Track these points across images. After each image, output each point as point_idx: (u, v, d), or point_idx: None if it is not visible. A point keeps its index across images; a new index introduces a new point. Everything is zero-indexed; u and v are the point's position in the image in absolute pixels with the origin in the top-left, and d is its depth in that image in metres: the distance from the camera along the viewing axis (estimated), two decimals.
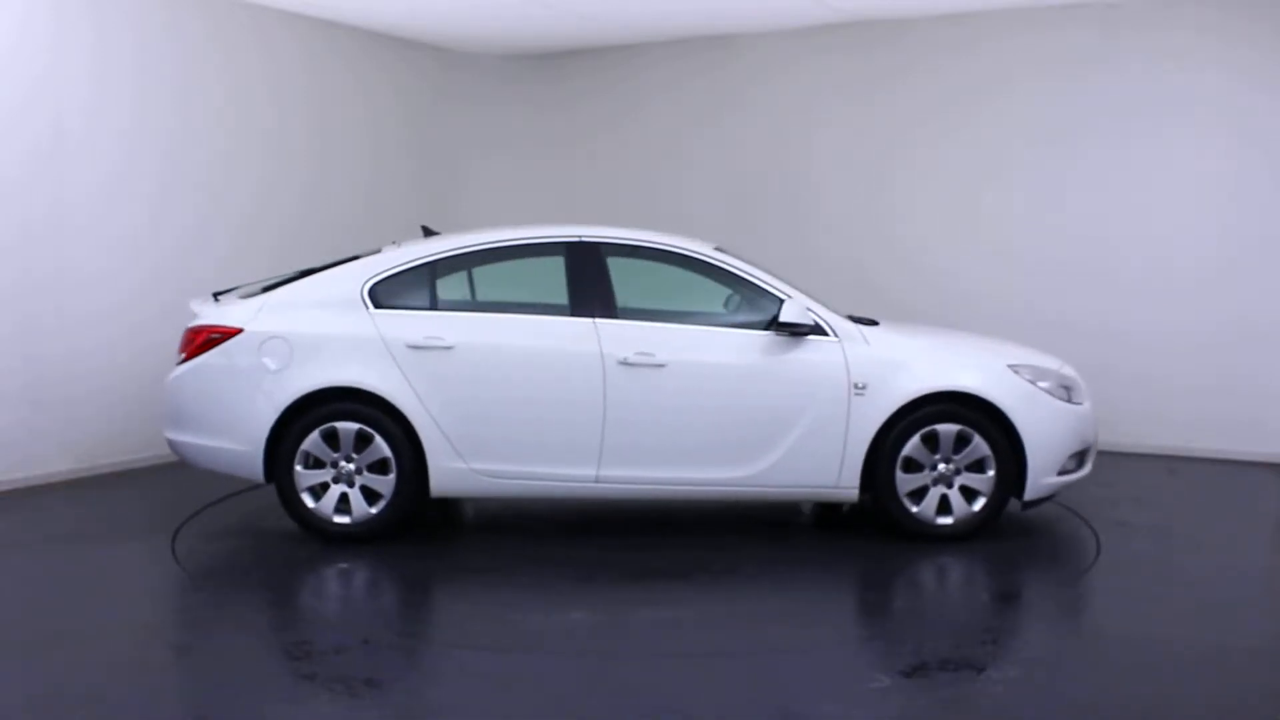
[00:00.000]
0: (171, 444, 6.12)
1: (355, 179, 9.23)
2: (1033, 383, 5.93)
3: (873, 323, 6.13)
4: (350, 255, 6.40)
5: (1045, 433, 5.85)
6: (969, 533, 5.84)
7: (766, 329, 5.86)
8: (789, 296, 5.91)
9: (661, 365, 5.78)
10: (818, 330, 5.86)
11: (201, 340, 5.91)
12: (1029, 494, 5.86)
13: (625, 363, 5.76)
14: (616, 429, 5.78)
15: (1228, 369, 7.89)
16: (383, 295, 5.94)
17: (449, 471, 5.81)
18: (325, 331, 5.84)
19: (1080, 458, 6.05)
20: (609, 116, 9.99)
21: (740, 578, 5.43)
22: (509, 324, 5.92)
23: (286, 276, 6.27)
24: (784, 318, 5.80)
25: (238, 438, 5.83)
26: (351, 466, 5.81)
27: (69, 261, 7.18)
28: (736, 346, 5.89)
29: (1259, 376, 7.80)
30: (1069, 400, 5.98)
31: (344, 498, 5.83)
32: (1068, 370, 6.16)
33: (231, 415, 5.84)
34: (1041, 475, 5.86)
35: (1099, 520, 6.26)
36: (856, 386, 5.79)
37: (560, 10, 8.43)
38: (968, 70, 8.60)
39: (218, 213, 8.11)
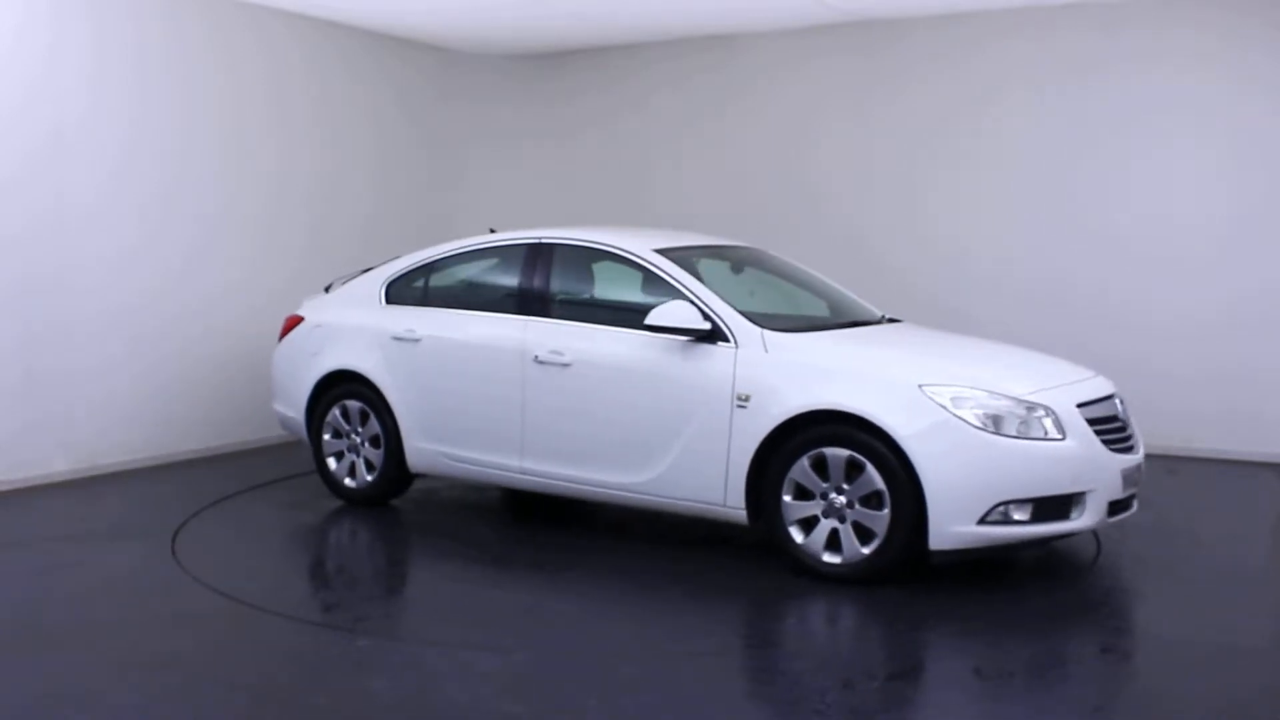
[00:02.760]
0: (275, 412, 7.12)
1: (360, 179, 9.22)
2: (948, 408, 4.97)
3: (894, 321, 6.17)
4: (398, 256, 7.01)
5: (954, 469, 4.91)
6: (861, 577, 5.08)
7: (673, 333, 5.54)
8: (692, 299, 5.55)
9: (567, 365, 5.84)
10: (717, 335, 5.46)
11: (288, 326, 7.00)
12: (934, 542, 4.94)
13: (538, 361, 5.92)
14: (532, 424, 5.97)
15: (1228, 367, 7.88)
16: (393, 292, 6.67)
17: (419, 451, 6.39)
18: (350, 323, 6.68)
19: (1041, 508, 4.98)
20: (611, 115, 9.99)
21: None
22: (466, 320, 6.30)
23: (356, 273, 7.10)
24: (648, 320, 5.51)
25: (295, 407, 6.86)
26: (358, 439, 6.61)
27: (69, 262, 7.17)
28: (635, 349, 5.65)
29: (1260, 377, 7.80)
30: (1026, 435, 4.97)
31: (353, 465, 6.64)
32: (1044, 398, 5.08)
33: (292, 388, 6.87)
34: (950, 522, 4.91)
35: None
36: (740, 398, 5.33)
37: (560, 10, 8.43)
38: (969, 70, 8.59)
39: (221, 213, 8.10)
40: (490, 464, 6.16)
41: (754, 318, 5.55)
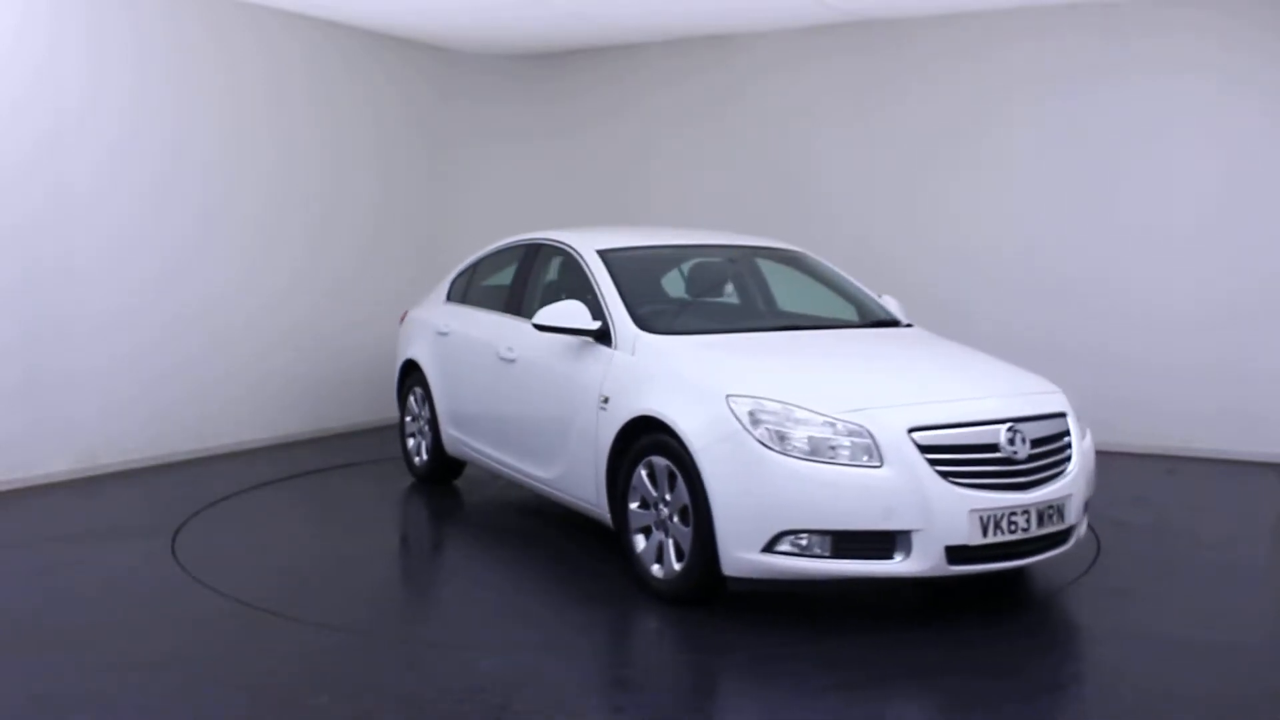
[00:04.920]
0: None
1: (360, 178, 9.21)
2: (743, 421, 4.52)
3: (905, 327, 5.99)
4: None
5: (739, 490, 4.48)
6: (675, 594, 4.81)
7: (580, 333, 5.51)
8: (600, 297, 5.53)
9: (514, 361, 6.02)
10: (608, 335, 5.38)
11: (401, 319, 7.63)
12: (725, 567, 4.56)
13: (500, 358, 6.15)
14: (501, 418, 6.25)
15: (1228, 367, 7.89)
16: (452, 290, 7.15)
17: (449, 436, 6.80)
18: (422, 317, 7.23)
19: (845, 543, 4.41)
20: (611, 115, 9.99)
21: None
22: (476, 317, 6.67)
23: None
24: (534, 320, 5.58)
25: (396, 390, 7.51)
26: (422, 422, 7.11)
27: (69, 261, 7.18)
28: (553, 347, 5.68)
29: (1260, 376, 7.81)
30: (831, 459, 4.40)
31: (420, 445, 7.19)
32: (863, 418, 4.47)
33: (394, 372, 7.53)
34: (737, 546, 4.49)
35: (1099, 520, 6.24)
36: (602, 400, 5.22)
37: (560, 10, 8.43)
38: (969, 71, 8.60)
39: (221, 213, 8.10)
40: (485, 453, 6.45)
41: (649, 319, 5.41)
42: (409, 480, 7.32)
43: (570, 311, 5.45)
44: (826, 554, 4.43)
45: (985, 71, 8.55)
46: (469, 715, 3.83)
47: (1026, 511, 4.57)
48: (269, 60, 8.42)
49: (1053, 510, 4.68)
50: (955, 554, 4.45)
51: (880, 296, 6.24)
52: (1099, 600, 5.14)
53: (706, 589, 4.74)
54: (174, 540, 5.89)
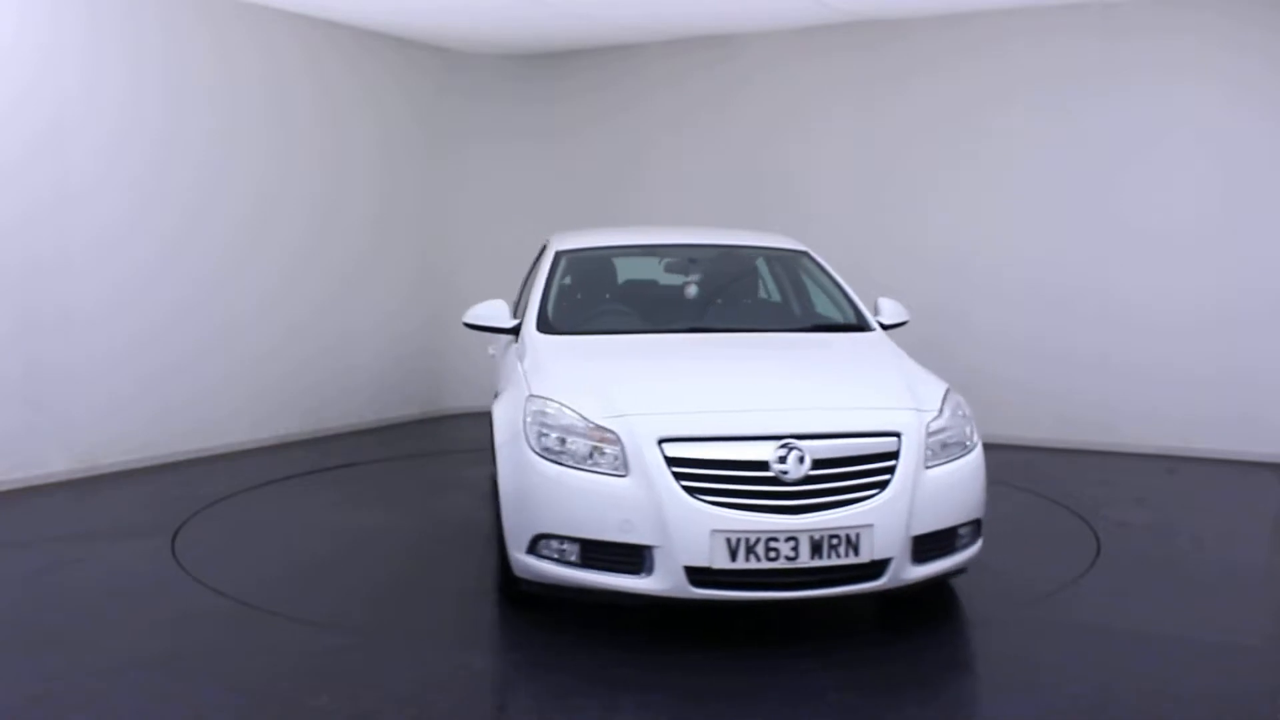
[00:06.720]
0: None
1: (360, 178, 9.22)
2: (527, 422, 4.48)
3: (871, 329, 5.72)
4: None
5: (512, 490, 4.48)
6: (505, 591, 4.83)
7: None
8: (530, 304, 5.62)
9: (492, 356, 6.32)
10: (516, 333, 5.52)
11: None
12: (512, 566, 4.54)
13: (490, 355, 6.45)
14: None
15: (1228, 367, 7.89)
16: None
17: None
18: None
19: (594, 553, 4.25)
20: (610, 114, 10.00)
21: None
22: None
23: None
24: (464, 318, 5.68)
25: None
26: None
27: (68, 260, 7.18)
28: (501, 346, 5.95)
29: (1260, 377, 7.81)
30: (588, 466, 4.27)
31: None
32: (618, 424, 4.29)
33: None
34: (513, 546, 4.48)
35: (1099, 520, 6.25)
36: (495, 396, 5.32)
37: (560, 10, 8.43)
38: (968, 71, 8.60)
39: (219, 214, 8.10)
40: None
41: (554, 319, 5.48)
42: (408, 480, 7.31)
43: (490, 311, 5.58)
44: (577, 563, 4.30)
45: (985, 72, 8.55)
46: (469, 715, 3.83)
47: (793, 538, 4.09)
48: (269, 60, 8.42)
49: (838, 540, 4.13)
50: (698, 576, 4.14)
51: (878, 300, 6.10)
52: (1099, 600, 5.14)
53: (508, 589, 4.74)
54: (174, 540, 5.89)
